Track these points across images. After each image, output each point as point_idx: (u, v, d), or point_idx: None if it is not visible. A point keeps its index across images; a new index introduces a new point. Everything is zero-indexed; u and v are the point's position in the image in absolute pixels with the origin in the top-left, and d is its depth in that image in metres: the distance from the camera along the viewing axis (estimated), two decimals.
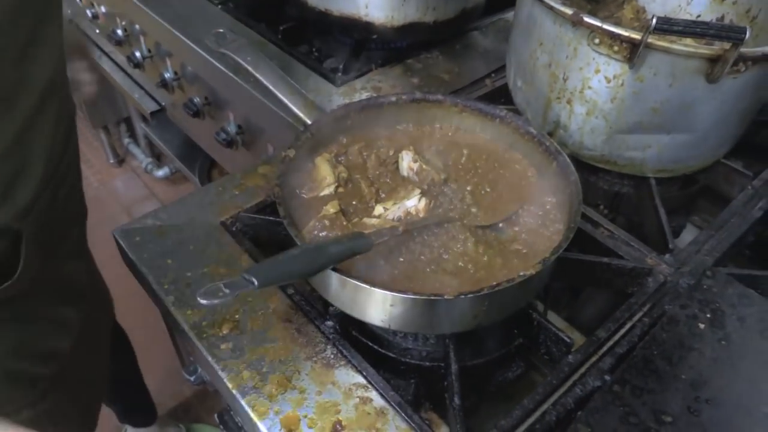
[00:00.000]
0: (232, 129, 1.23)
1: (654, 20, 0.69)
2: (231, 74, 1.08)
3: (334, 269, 0.62)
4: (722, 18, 1.01)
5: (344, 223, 0.70)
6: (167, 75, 1.39)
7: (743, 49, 0.71)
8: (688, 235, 1.01)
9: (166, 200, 2.30)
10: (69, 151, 0.85)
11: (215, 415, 0.86)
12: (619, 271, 0.79)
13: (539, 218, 0.75)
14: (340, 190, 0.75)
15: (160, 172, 2.25)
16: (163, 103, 1.58)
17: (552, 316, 0.84)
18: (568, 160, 0.75)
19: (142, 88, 1.66)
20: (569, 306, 0.94)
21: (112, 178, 2.40)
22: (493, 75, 1.10)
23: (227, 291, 0.55)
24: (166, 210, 0.87)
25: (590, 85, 0.81)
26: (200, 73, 1.24)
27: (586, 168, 0.95)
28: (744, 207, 0.89)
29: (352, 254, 0.63)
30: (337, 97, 1.04)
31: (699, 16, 1.03)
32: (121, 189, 2.35)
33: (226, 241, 0.82)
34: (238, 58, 0.89)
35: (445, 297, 0.61)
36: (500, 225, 0.74)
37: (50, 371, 0.91)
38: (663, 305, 0.75)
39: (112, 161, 2.42)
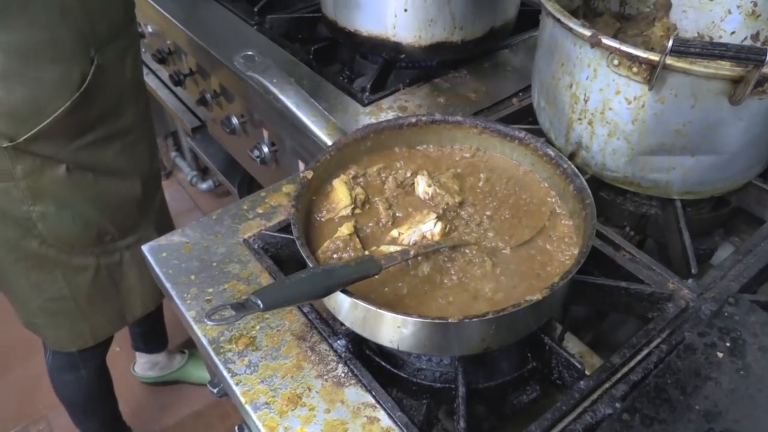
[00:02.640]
0: (265, 147, 1.26)
1: (671, 42, 0.68)
2: (262, 94, 1.11)
3: (344, 291, 0.63)
4: (757, 35, 0.98)
5: (358, 245, 0.71)
6: (206, 94, 1.44)
7: (766, 70, 0.69)
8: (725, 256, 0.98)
9: (210, 212, 2.37)
10: (132, 25, 1.14)
11: (236, 428, 0.88)
12: (638, 296, 0.78)
13: (556, 242, 0.75)
14: (357, 211, 0.77)
15: (204, 185, 2.32)
16: (204, 119, 1.63)
17: (572, 340, 0.83)
18: (585, 183, 0.74)
19: (184, 104, 1.72)
20: (594, 330, 0.93)
21: None
22: (520, 94, 1.10)
23: (233, 312, 0.57)
24: (194, 227, 0.90)
25: (611, 107, 0.80)
26: (235, 92, 1.28)
27: (613, 189, 0.94)
28: None
29: (360, 278, 0.64)
30: (364, 116, 1.06)
31: (734, 32, 1.01)
32: (169, 200, 2.42)
33: (247, 259, 0.84)
34: (264, 81, 0.92)
35: (450, 320, 0.61)
36: (518, 247, 0.74)
37: (117, 232, 1.21)
38: (683, 332, 0.74)
39: (162, 174, 2.50)
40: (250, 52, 0.98)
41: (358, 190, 0.79)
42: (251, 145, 1.31)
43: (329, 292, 0.62)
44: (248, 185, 1.99)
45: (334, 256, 0.70)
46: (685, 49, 0.68)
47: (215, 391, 0.91)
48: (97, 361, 1.43)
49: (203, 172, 2.38)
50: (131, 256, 1.27)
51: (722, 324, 0.71)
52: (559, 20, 0.80)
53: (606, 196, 0.95)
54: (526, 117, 1.06)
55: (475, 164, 0.84)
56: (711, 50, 0.67)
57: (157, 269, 0.84)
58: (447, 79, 1.14)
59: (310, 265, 0.65)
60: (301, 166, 1.20)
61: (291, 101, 0.90)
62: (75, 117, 1.05)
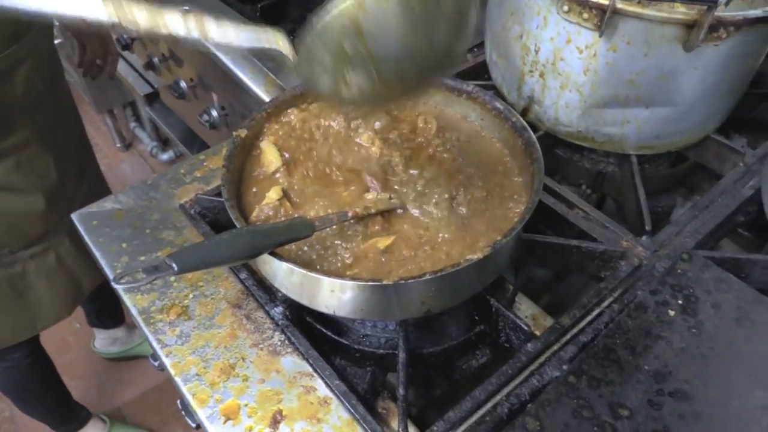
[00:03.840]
0: (215, 111, 1.21)
1: None
2: (207, 57, 1.06)
3: (273, 254, 0.59)
4: None
5: (290, 210, 0.67)
6: (154, 57, 1.37)
7: (722, 14, 0.66)
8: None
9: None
10: (28, 35, 1.01)
11: (178, 402, 0.85)
12: (590, 255, 0.75)
13: (507, 200, 0.71)
14: (292, 172, 0.72)
15: (165, 156, 2.24)
16: (156, 86, 1.57)
17: (525, 302, 0.80)
18: (533, 136, 0.70)
19: (136, 70, 1.65)
20: (552, 292, 0.90)
21: (119, 161, 2.41)
22: (475, 50, 1.05)
23: (144, 275, 0.52)
24: (127, 192, 0.85)
25: (562, 57, 0.76)
26: (182, 56, 1.22)
27: (569, 146, 0.90)
28: (734, 185, 0.84)
29: (291, 240, 0.60)
30: None
31: None
32: (129, 172, 2.36)
33: (183, 225, 0.80)
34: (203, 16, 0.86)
35: (385, 282, 0.57)
36: (469, 208, 0.70)
37: (16, 244, 1.13)
38: (636, 290, 0.71)
39: (118, 145, 2.42)
40: (186, 8, 0.92)
41: (291, 147, 0.74)
42: (201, 110, 1.26)
43: (255, 253, 0.58)
44: None
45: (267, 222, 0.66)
46: None
47: (156, 364, 0.87)
48: (24, 352, 1.35)
49: (164, 143, 2.31)
50: (37, 266, 1.18)
51: (675, 281, 0.69)
52: None
53: (562, 154, 0.92)
54: (481, 74, 1.02)
55: (425, 119, 0.80)
56: None
57: (86, 238, 0.79)
58: None
59: (238, 225, 0.61)
60: None
61: (228, 58, 0.85)
62: None
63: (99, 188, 1.35)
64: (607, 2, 0.67)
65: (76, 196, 1.23)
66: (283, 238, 0.59)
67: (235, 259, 0.59)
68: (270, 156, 0.73)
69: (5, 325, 1.21)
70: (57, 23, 1.24)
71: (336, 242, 0.64)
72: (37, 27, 1.05)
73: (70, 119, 1.22)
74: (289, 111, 0.76)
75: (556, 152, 0.91)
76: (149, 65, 1.39)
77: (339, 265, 0.63)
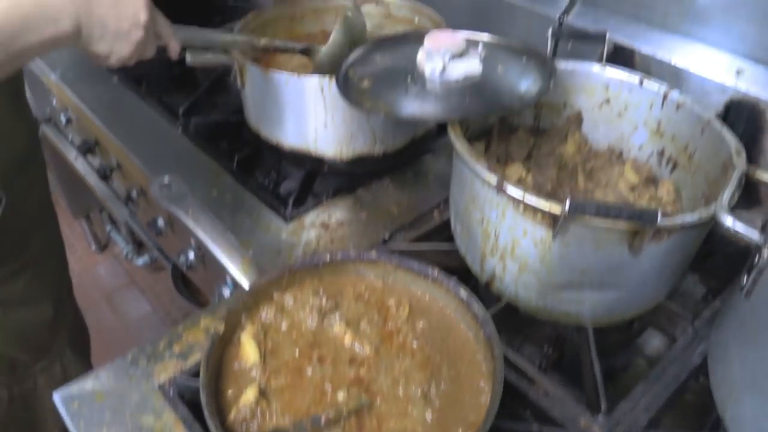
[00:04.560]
0: (192, 252, 1.24)
1: (567, 204, 0.70)
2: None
3: None
4: (662, 151, 1.02)
5: (266, 411, 0.71)
6: (132, 191, 1.41)
7: (662, 223, 0.72)
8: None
9: (146, 288, 2.32)
10: (39, 153, 1.14)
11: None
12: None
13: (474, 388, 0.75)
14: (268, 366, 0.76)
15: (140, 260, 2.26)
16: (134, 211, 1.60)
17: None
18: (494, 330, 0.75)
19: (114, 192, 1.68)
20: None
21: (94, 264, 2.42)
22: (441, 206, 1.12)
23: None
24: (108, 369, 0.87)
25: (520, 246, 0.82)
26: (158, 203, 1.27)
27: None
28: (683, 352, 0.89)
29: None
30: (286, 235, 1.05)
31: (641, 147, 1.05)
32: (103, 276, 2.37)
33: (162, 407, 0.82)
34: (179, 213, 0.92)
35: None
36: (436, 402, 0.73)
37: (30, 359, 1.17)
38: None
39: (93, 248, 2.44)
40: (166, 180, 0.98)
41: (268, 340, 0.78)
42: (179, 249, 1.29)
43: None
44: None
45: (244, 425, 0.70)
46: (581, 210, 0.70)
47: None
48: None
49: (139, 246, 2.33)
50: (46, 379, 1.22)
51: None
52: (467, 163, 0.82)
53: (524, 316, 0.97)
54: (447, 230, 1.07)
55: (397, 302, 0.85)
56: (606, 212, 0.70)
57: (69, 422, 0.81)
58: (369, 189, 1.15)
59: None
60: (228, 276, 1.18)
61: (207, 237, 0.90)
62: None
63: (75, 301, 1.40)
64: (557, 212, 0.74)
65: (70, 303, 1.30)
66: None
67: None
68: (248, 350, 0.76)
69: None
70: None
71: None
72: (40, 142, 1.13)
73: (58, 226, 1.28)
74: (264, 304, 0.81)
75: (519, 315, 0.97)
76: (128, 198, 1.43)
77: None
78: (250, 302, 0.81)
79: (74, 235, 2.52)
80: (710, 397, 0.86)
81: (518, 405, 0.85)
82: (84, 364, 1.28)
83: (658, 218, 0.69)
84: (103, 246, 2.47)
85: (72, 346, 1.27)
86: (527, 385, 0.84)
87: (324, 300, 0.82)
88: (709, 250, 1.01)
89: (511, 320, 0.95)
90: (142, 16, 0.80)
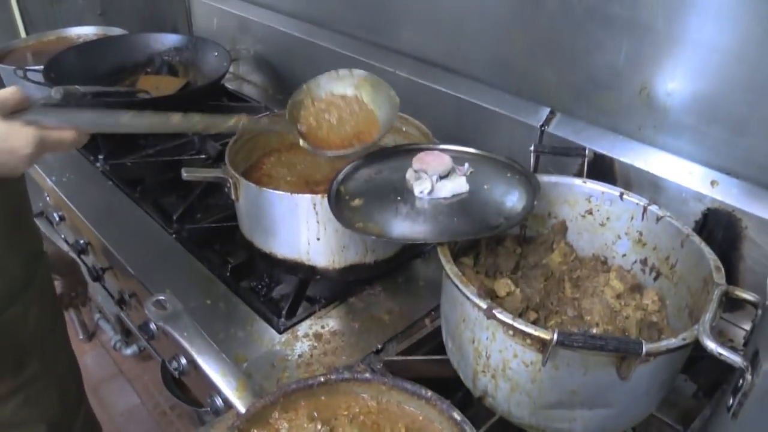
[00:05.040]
0: (184, 361, 1.25)
1: (555, 335, 0.73)
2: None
3: None
4: (645, 260, 1.06)
5: None
6: (125, 294, 1.42)
7: (648, 348, 0.75)
8: None
9: (134, 378, 2.29)
10: (36, 278, 1.11)
11: None
12: None
13: None
14: None
15: (129, 350, 2.24)
16: (125, 310, 1.61)
17: None
18: None
19: (106, 289, 1.69)
20: None
21: (81, 354, 2.39)
22: (432, 313, 1.14)
23: None
24: None
25: (511, 366, 0.84)
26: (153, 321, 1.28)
27: None
28: None
29: None
30: (279, 347, 1.06)
31: (625, 255, 1.09)
32: (90, 365, 2.34)
33: None
34: (175, 334, 0.93)
35: None
36: None
37: None
38: None
39: (81, 337, 2.42)
40: (161, 297, 0.99)
41: None
42: (171, 353, 1.29)
43: None
44: None
45: None
46: (569, 342, 0.72)
47: None
48: None
49: (127, 335, 2.31)
50: None
51: None
52: (457, 286, 0.85)
53: (518, 430, 0.98)
54: (438, 337, 1.09)
55: (390, 421, 0.85)
56: (593, 343, 0.72)
57: None
58: (362, 297, 1.18)
59: None
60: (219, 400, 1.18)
61: (202, 358, 0.91)
62: None
63: (89, 411, 1.37)
64: (547, 338, 0.76)
65: (75, 420, 1.26)
66: None
67: None
68: None
69: None
70: None
71: None
72: (44, 263, 1.13)
73: (68, 347, 1.26)
74: (259, 429, 0.81)
75: (513, 430, 0.97)
76: (120, 301, 1.44)
77: None
78: (245, 428, 0.81)
79: None
80: None
81: None
82: None
83: (643, 349, 0.72)
84: (91, 334, 2.45)
85: None
86: None
87: (319, 425, 0.82)
88: (696, 357, 1.04)
89: None
90: (27, 150, 0.79)
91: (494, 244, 1.09)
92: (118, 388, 2.26)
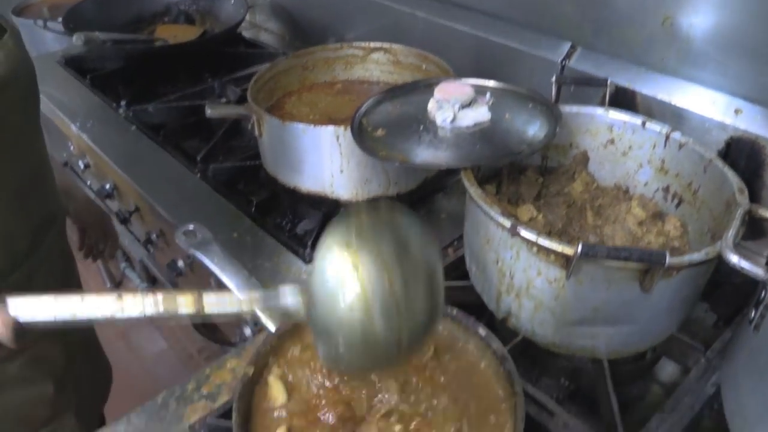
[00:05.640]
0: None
1: (580, 247, 0.74)
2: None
3: None
4: (668, 188, 1.06)
5: None
6: (152, 234, 1.45)
7: (671, 261, 0.76)
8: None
9: (161, 324, 2.35)
10: (45, 242, 1.08)
11: None
12: None
13: (495, 426, 0.78)
14: (295, 405, 0.79)
15: None
16: (152, 251, 1.64)
17: None
18: (514, 367, 0.78)
19: (132, 233, 1.73)
20: None
21: None
22: (455, 243, 1.15)
23: None
24: (139, 414, 0.90)
25: (534, 285, 0.86)
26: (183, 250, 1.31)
27: None
28: (697, 383, 0.92)
29: None
30: (307, 277, 1.09)
31: (647, 184, 1.09)
32: None
33: None
34: (206, 260, 0.95)
35: None
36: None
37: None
38: None
39: (108, 285, 2.48)
40: (191, 226, 1.01)
41: (295, 381, 0.81)
42: (199, 288, 1.33)
43: None
44: None
45: None
46: (593, 253, 0.74)
47: None
48: None
49: (153, 283, 2.36)
50: None
51: None
52: (481, 207, 0.86)
53: (540, 350, 1.00)
54: (461, 267, 1.11)
55: None
56: (617, 254, 0.74)
57: None
58: None
59: None
60: (247, 330, 1.22)
61: (233, 283, 0.93)
62: None
63: (97, 355, 1.40)
64: (571, 253, 0.77)
65: (83, 373, 1.28)
66: None
67: None
68: (276, 391, 0.79)
69: None
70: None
71: None
72: (53, 233, 1.13)
73: None
74: (290, 344, 0.84)
75: (536, 349, 1.00)
76: (147, 241, 1.48)
77: None
78: (277, 344, 0.84)
79: (89, 273, 2.55)
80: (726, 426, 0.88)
81: None
82: (91, 425, 1.26)
83: (667, 259, 0.73)
84: (118, 283, 2.51)
85: (79, 413, 1.25)
86: (547, 418, 0.87)
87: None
88: (718, 280, 1.05)
89: (527, 354, 0.98)
90: None
91: (516, 174, 1.10)
92: (146, 333, 2.32)
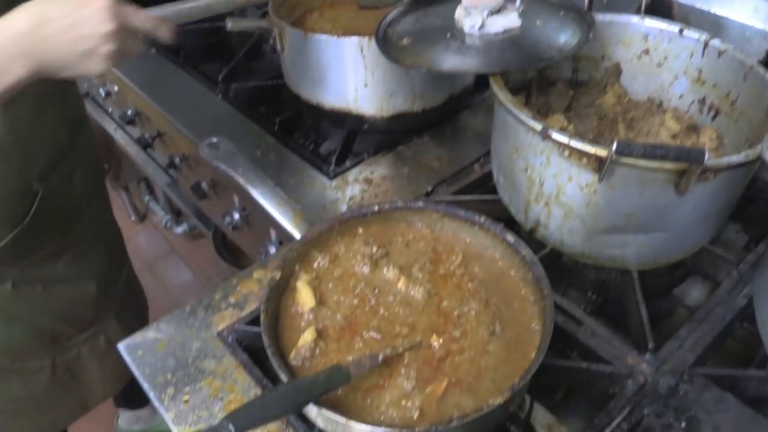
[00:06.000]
0: (237, 213, 1.28)
1: (615, 145, 0.71)
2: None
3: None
4: (704, 99, 1.02)
5: (325, 349, 0.74)
6: (175, 158, 1.45)
7: (709, 163, 0.73)
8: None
9: (186, 255, 2.38)
10: (79, 142, 1.11)
11: None
12: (599, 376, 0.81)
13: (526, 330, 0.77)
14: (324, 310, 0.79)
15: (179, 229, 2.32)
16: (175, 177, 1.64)
17: (540, 411, 0.86)
18: (543, 272, 0.78)
19: (155, 161, 1.73)
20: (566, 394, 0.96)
21: (134, 234, 2.49)
22: (481, 159, 1.13)
23: None
24: (167, 321, 0.91)
25: (565, 191, 0.84)
26: (203, 163, 1.30)
27: None
28: (729, 295, 0.91)
29: (330, 389, 0.67)
30: (331, 191, 1.08)
31: (681, 96, 1.05)
32: (144, 245, 2.44)
33: (222, 353, 0.86)
34: (230, 172, 0.95)
35: (417, 429, 0.64)
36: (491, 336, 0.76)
37: (72, 331, 1.19)
38: (642, 409, 0.77)
39: (133, 218, 2.51)
40: (214, 139, 1.01)
41: (322, 287, 0.81)
42: (223, 210, 1.33)
43: (300, 408, 0.65)
44: (223, 232, 2.00)
45: (304, 363, 0.73)
46: (628, 151, 0.71)
47: None
48: None
49: (177, 215, 2.38)
50: (89, 349, 1.27)
51: (678, 403, 0.75)
52: (511, 111, 0.84)
53: (568, 263, 0.99)
54: (488, 182, 1.09)
55: (444, 245, 0.87)
56: (653, 152, 0.71)
57: (134, 369, 0.85)
58: (410, 146, 1.17)
59: (282, 376, 0.68)
60: (273, 233, 1.22)
61: (258, 191, 0.93)
62: (19, 244, 1.03)
63: (131, 272, 1.45)
64: (605, 154, 0.75)
65: (120, 277, 1.32)
66: (323, 389, 0.66)
67: (283, 415, 0.66)
68: (304, 295, 0.80)
69: (64, 407, 1.28)
70: None
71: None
72: (88, 128, 1.15)
73: (109, 208, 1.31)
74: (316, 253, 0.84)
75: (563, 261, 0.99)
76: (171, 164, 1.47)
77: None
78: (303, 251, 0.84)
79: (114, 206, 2.57)
80: (755, 343, 0.87)
81: (565, 346, 0.87)
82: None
83: (705, 157, 0.70)
84: (143, 216, 2.54)
85: (119, 318, 1.32)
86: (575, 327, 0.86)
87: (374, 248, 0.85)
88: (750, 198, 1.02)
89: (555, 267, 0.97)
90: (106, 27, 0.71)
91: (545, 86, 1.06)
92: (172, 264, 2.36)
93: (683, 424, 0.73)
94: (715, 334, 0.86)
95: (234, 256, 1.85)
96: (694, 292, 1.05)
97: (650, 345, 0.83)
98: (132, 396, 1.80)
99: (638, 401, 0.78)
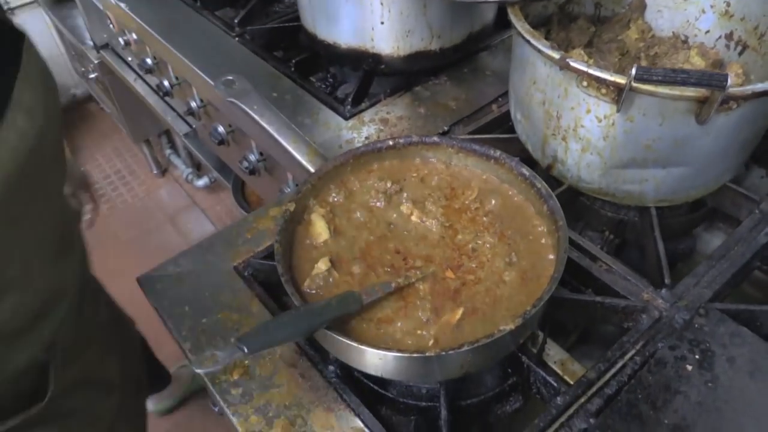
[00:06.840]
0: (254, 156, 1.28)
1: (634, 70, 0.70)
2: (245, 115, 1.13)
3: (327, 327, 0.67)
4: (731, 34, 0.99)
5: (338, 278, 0.74)
6: (193, 104, 1.45)
7: (730, 90, 0.71)
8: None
9: (207, 208, 2.40)
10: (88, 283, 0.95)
11: None
12: (614, 309, 0.81)
13: (541, 261, 0.77)
14: (338, 242, 0.79)
15: (200, 182, 2.34)
16: (194, 126, 1.65)
17: (554, 348, 0.86)
18: (557, 204, 0.77)
19: (174, 110, 1.73)
20: (579, 333, 0.96)
21: (156, 188, 2.51)
22: (499, 99, 1.12)
23: (220, 359, 0.60)
24: (186, 255, 0.93)
25: (583, 124, 0.82)
26: (219, 108, 1.30)
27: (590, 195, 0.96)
28: (749, 233, 0.89)
29: (342, 314, 0.67)
30: (346, 131, 1.08)
31: (708, 31, 1.02)
32: (165, 198, 2.46)
33: (238, 287, 0.87)
34: (245, 107, 0.94)
35: (428, 354, 0.64)
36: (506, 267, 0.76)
37: None
38: (656, 343, 0.77)
39: (155, 172, 2.53)
40: (230, 77, 1.00)
41: (336, 220, 0.81)
42: (240, 155, 1.33)
43: (312, 331, 0.66)
44: (243, 183, 2.02)
45: (318, 292, 0.73)
46: (648, 76, 0.69)
47: (216, 409, 0.95)
48: None
49: (198, 169, 2.40)
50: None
51: (692, 336, 0.75)
52: (528, 41, 0.82)
53: (585, 201, 0.98)
54: (506, 123, 1.08)
55: (459, 180, 0.86)
56: (674, 77, 0.69)
57: (152, 301, 0.87)
58: (427, 86, 1.16)
59: (295, 302, 0.69)
60: (290, 176, 1.22)
61: (272, 127, 0.93)
62: None
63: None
64: (623, 81, 0.73)
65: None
66: (336, 314, 0.67)
67: (295, 337, 0.67)
68: (318, 228, 0.80)
69: None
70: None
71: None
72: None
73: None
74: (331, 187, 0.84)
75: (580, 200, 0.97)
76: (189, 111, 1.47)
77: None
78: (318, 185, 0.84)
79: (136, 160, 2.61)
80: None
81: (580, 283, 0.87)
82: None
83: (728, 82, 0.68)
84: (164, 170, 2.56)
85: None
86: (590, 263, 0.86)
87: (389, 183, 0.84)
88: None
89: (572, 206, 0.96)
90: None
91: (567, 22, 1.04)
92: (193, 217, 2.38)
93: (697, 356, 0.72)
94: (734, 271, 0.84)
95: (252, 206, 1.86)
96: (714, 241, 1.04)
97: (667, 281, 0.82)
98: (154, 382, 1.80)
99: (652, 335, 0.78)
